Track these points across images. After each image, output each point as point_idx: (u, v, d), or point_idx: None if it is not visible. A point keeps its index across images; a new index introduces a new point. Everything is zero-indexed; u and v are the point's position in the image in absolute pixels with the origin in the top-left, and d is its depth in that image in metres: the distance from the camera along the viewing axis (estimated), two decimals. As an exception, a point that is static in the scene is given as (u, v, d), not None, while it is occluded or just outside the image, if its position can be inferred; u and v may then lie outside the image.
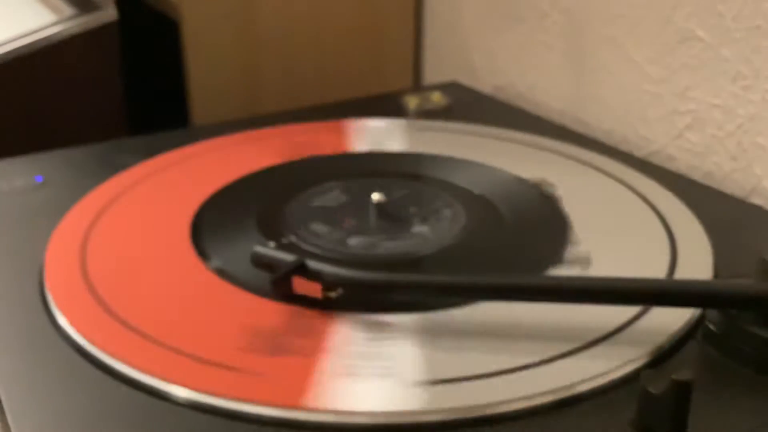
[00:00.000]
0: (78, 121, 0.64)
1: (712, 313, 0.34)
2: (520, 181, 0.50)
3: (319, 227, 0.44)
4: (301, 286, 0.37)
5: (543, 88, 0.67)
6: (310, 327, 0.35)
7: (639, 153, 0.58)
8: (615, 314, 0.35)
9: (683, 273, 0.40)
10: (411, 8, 0.77)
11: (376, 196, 0.46)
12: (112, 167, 0.52)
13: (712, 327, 0.34)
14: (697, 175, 0.54)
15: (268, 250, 0.38)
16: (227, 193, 0.49)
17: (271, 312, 0.36)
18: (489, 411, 0.30)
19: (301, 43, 0.71)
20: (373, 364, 0.33)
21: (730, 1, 0.51)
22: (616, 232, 0.44)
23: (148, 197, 0.48)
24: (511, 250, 0.43)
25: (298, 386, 0.31)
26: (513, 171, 0.51)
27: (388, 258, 0.41)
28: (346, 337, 0.34)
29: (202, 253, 0.42)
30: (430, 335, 0.35)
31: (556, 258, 0.41)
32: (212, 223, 0.45)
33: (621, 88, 0.60)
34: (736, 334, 0.33)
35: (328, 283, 0.36)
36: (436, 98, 0.65)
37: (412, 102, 0.64)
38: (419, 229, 0.44)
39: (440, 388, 0.31)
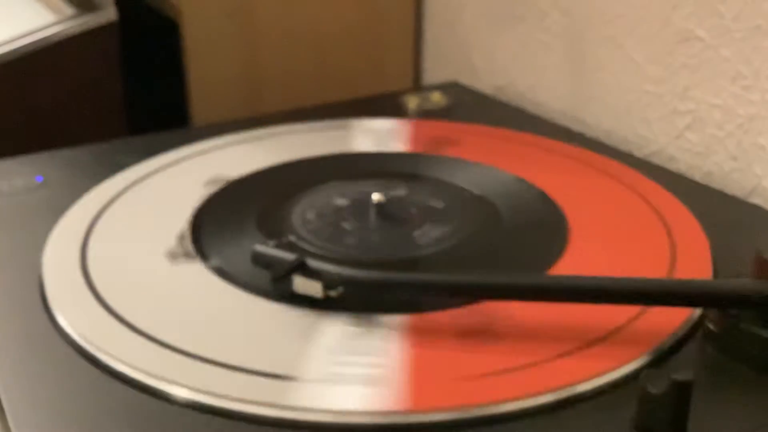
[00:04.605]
0: (78, 121, 0.64)
1: (712, 313, 0.34)
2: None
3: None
4: (302, 285, 0.37)
5: (543, 88, 0.67)
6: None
7: (639, 153, 0.58)
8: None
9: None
10: (411, 8, 0.76)
11: (376, 196, 0.46)
12: (112, 167, 0.52)
13: (712, 327, 0.34)
14: (697, 175, 0.54)
15: (269, 249, 0.38)
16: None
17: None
18: (489, 411, 0.30)
19: (301, 43, 0.71)
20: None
21: (730, 1, 0.51)
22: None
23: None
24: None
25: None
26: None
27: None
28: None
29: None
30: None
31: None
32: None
33: (621, 88, 0.60)
34: (736, 334, 0.33)
35: (329, 281, 0.36)
36: (436, 98, 0.65)
37: (412, 102, 0.64)
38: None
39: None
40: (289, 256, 0.37)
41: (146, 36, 0.73)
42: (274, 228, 0.44)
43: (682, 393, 0.28)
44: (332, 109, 0.63)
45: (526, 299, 0.35)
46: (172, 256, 0.41)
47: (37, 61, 0.62)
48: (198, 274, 0.40)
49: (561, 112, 0.65)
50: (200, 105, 0.69)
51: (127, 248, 0.42)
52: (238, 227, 0.44)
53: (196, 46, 0.67)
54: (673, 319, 0.35)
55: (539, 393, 0.31)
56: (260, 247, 0.38)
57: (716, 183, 0.53)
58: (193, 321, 0.36)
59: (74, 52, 0.63)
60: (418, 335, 0.35)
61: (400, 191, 0.48)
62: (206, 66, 0.68)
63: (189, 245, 0.42)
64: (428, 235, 0.43)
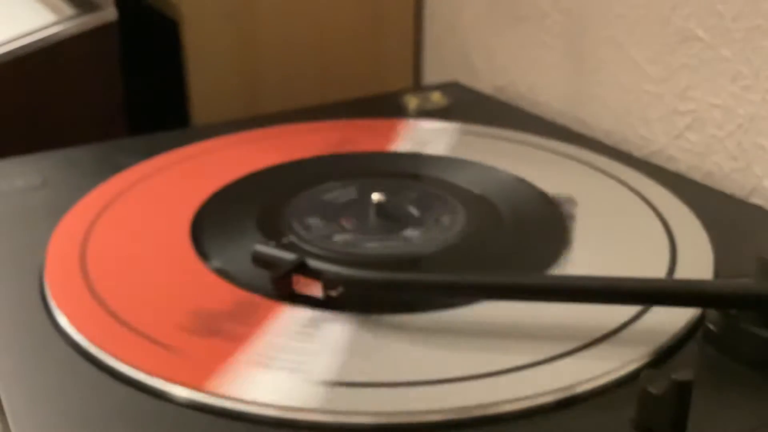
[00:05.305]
0: (78, 121, 0.64)
1: (712, 313, 0.34)
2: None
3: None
4: (302, 285, 0.37)
5: (543, 88, 0.67)
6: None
7: (639, 153, 0.58)
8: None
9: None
10: (411, 8, 0.77)
11: (376, 196, 0.46)
12: (112, 167, 0.52)
13: (712, 327, 0.34)
14: (697, 175, 0.54)
15: (269, 248, 0.38)
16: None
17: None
18: (489, 411, 0.30)
19: (301, 44, 0.71)
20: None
21: (730, 1, 0.51)
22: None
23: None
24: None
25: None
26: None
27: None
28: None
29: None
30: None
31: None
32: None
33: (621, 88, 0.60)
34: (736, 334, 0.33)
35: (329, 281, 0.36)
36: (436, 98, 0.65)
37: (412, 102, 0.64)
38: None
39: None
40: (289, 255, 0.37)
41: (146, 36, 0.73)
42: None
43: (682, 393, 0.28)
44: (332, 109, 0.63)
45: (526, 299, 0.35)
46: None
47: (37, 61, 0.62)
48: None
49: (561, 112, 0.65)
50: (200, 105, 0.69)
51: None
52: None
53: (196, 46, 0.67)
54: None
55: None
56: (261, 247, 0.38)
57: (716, 183, 0.53)
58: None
59: (74, 52, 0.63)
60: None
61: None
62: (206, 66, 0.68)
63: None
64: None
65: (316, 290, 0.37)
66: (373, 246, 0.42)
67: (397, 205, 0.47)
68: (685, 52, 0.54)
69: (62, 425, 0.30)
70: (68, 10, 0.65)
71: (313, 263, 0.36)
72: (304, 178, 0.50)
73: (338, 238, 0.43)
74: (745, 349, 0.33)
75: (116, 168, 0.52)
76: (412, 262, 0.41)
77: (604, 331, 0.35)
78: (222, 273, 0.40)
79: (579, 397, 0.31)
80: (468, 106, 0.65)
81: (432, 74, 0.80)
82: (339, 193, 0.49)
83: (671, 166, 0.55)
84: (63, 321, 0.36)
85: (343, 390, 0.31)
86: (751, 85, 0.51)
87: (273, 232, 0.44)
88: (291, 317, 0.36)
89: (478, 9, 0.72)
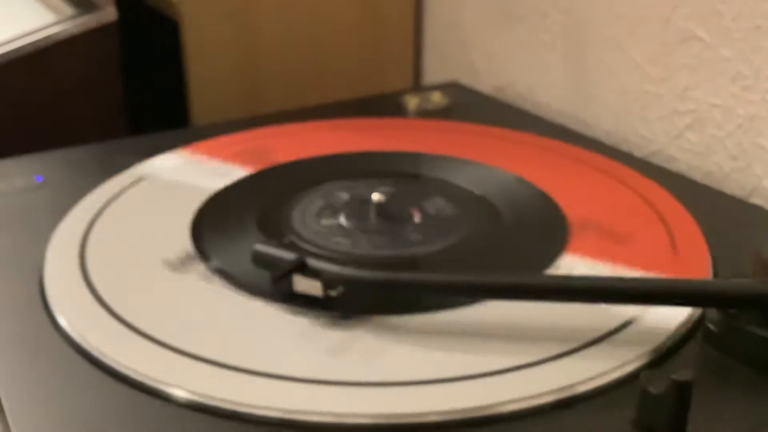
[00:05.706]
0: (78, 121, 0.64)
1: (712, 313, 0.34)
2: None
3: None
4: (302, 284, 0.37)
5: (543, 88, 0.67)
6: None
7: (639, 153, 0.58)
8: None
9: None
10: (411, 8, 0.76)
11: (376, 196, 0.46)
12: (112, 167, 0.52)
13: (712, 327, 0.34)
14: (697, 175, 0.54)
15: (269, 248, 0.38)
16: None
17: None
18: (489, 411, 0.30)
19: (301, 43, 0.71)
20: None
21: (730, 1, 0.51)
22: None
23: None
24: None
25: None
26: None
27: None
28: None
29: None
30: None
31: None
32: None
33: (621, 88, 0.60)
34: (736, 334, 0.33)
35: (329, 281, 0.36)
36: (436, 98, 0.65)
37: (412, 102, 0.64)
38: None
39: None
40: (289, 255, 0.37)
41: (146, 36, 0.73)
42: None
43: (682, 393, 0.28)
44: (332, 109, 0.63)
45: (526, 299, 0.35)
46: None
47: (37, 61, 0.62)
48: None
49: (561, 112, 0.65)
50: (200, 105, 0.68)
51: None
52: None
53: (196, 46, 0.67)
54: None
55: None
56: (261, 247, 0.38)
57: (716, 183, 0.53)
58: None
59: (74, 52, 0.63)
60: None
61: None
62: (206, 66, 0.68)
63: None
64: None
65: (316, 290, 0.37)
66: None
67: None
68: (685, 52, 0.54)
69: (62, 425, 0.30)
70: (68, 10, 0.65)
71: (313, 263, 0.36)
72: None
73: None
74: (745, 349, 0.33)
75: (116, 168, 0.52)
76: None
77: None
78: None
79: (579, 397, 0.31)
80: (468, 106, 0.65)
81: (432, 74, 0.80)
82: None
83: (671, 166, 0.55)
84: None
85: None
86: (751, 85, 0.51)
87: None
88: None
89: (478, 9, 0.72)
